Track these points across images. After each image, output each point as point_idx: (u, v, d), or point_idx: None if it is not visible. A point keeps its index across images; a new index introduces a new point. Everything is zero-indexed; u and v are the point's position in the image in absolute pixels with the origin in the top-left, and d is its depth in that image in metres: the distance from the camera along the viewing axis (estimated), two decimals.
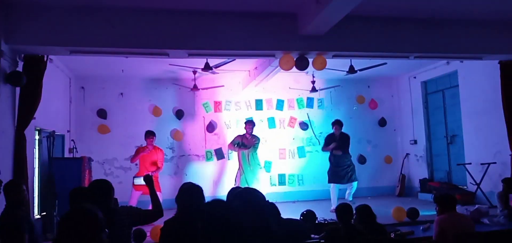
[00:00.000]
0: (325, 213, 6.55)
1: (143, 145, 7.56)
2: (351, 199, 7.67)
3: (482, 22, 6.50)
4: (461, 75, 8.51)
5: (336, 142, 7.77)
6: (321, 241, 4.01)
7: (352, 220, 3.94)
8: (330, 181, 7.77)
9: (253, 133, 8.04)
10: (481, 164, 7.64)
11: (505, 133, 6.95)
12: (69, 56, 6.20)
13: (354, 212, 4.04)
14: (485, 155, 7.70)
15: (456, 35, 6.48)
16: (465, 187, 8.28)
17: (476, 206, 6.69)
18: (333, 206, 7.46)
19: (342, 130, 7.96)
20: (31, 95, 5.50)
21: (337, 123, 7.90)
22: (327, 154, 7.97)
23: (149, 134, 7.43)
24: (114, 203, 3.43)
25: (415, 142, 9.95)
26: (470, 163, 8.01)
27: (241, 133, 8.24)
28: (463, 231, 4.21)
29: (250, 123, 8.14)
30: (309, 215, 5.56)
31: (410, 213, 6.37)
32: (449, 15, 6.30)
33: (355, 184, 7.78)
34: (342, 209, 3.94)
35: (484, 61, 7.16)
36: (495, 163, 7.45)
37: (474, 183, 7.69)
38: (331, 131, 8.03)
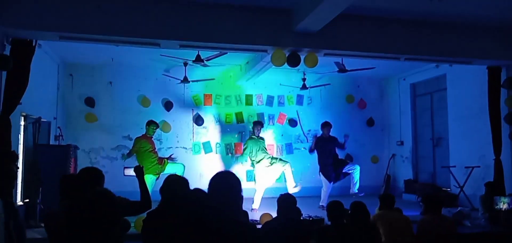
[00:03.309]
0: (311, 210, 6.60)
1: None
2: (356, 191, 7.50)
3: (473, 27, 6.60)
4: (450, 79, 8.63)
5: (324, 143, 7.64)
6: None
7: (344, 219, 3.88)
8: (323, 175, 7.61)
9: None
10: (466, 167, 7.77)
11: (490, 138, 7.08)
12: (58, 42, 6.10)
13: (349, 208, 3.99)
14: (469, 158, 7.83)
15: (447, 38, 6.57)
16: (449, 189, 8.41)
17: (459, 208, 6.82)
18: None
19: (332, 131, 7.81)
20: (18, 80, 5.40)
21: (326, 125, 7.76)
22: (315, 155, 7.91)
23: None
24: None
25: (402, 143, 10.07)
26: (454, 166, 8.14)
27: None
28: (445, 233, 4.29)
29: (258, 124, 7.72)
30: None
31: None
32: (441, 18, 6.38)
33: (355, 172, 7.51)
34: (333, 207, 3.91)
35: (472, 66, 7.27)
36: (479, 166, 7.58)
37: (458, 186, 7.82)
38: (320, 131, 7.97)
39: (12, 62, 5.28)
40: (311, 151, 7.84)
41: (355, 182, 7.54)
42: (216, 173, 2.49)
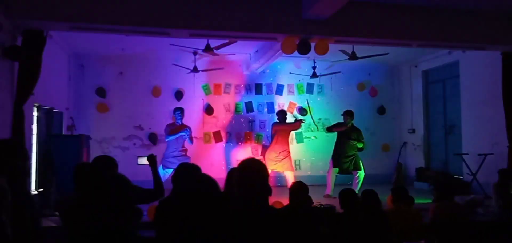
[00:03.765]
0: (321, 199, 6.60)
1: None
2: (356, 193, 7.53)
3: (486, 12, 6.45)
4: (463, 65, 8.48)
5: (341, 131, 7.62)
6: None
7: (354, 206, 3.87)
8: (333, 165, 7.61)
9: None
10: (478, 154, 7.67)
11: (504, 125, 6.97)
12: (69, 33, 6.15)
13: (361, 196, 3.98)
14: (482, 146, 7.73)
15: (460, 24, 6.44)
16: (462, 177, 8.32)
17: (472, 196, 6.76)
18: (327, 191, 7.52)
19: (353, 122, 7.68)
20: (30, 71, 5.45)
21: (345, 113, 7.66)
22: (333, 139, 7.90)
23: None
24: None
25: (413, 131, 9.97)
26: (467, 154, 8.04)
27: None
28: (457, 220, 4.26)
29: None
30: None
31: None
32: (454, 4, 6.25)
33: (359, 182, 7.50)
34: (346, 194, 3.90)
35: (486, 52, 7.13)
36: (492, 154, 7.48)
37: (470, 174, 7.73)
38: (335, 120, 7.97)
39: (24, 53, 5.34)
40: (328, 129, 7.93)
41: (356, 186, 7.41)
42: (246, 159, 2.45)
